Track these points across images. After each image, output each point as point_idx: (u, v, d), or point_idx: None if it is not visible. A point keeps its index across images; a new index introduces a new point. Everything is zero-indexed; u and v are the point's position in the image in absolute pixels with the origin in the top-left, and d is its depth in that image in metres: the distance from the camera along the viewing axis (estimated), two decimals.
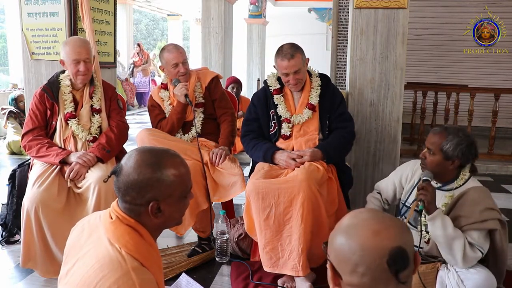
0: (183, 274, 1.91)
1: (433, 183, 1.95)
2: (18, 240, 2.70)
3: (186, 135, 2.70)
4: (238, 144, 4.07)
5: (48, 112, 2.45)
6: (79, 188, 2.32)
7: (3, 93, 7.04)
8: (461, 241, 1.81)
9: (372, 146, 3.06)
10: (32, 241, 2.21)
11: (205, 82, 2.73)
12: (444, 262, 1.93)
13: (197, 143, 2.55)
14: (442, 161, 1.92)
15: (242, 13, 10.78)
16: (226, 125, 2.70)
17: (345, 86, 5.42)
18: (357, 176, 3.02)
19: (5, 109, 5.66)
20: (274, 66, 2.46)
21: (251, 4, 10.84)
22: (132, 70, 10.36)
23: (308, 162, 2.29)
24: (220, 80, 2.83)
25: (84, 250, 1.16)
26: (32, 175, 2.33)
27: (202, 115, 2.71)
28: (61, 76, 2.49)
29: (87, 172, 2.32)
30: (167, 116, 2.69)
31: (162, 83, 2.82)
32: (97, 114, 2.50)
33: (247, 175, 2.57)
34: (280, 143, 2.48)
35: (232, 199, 2.74)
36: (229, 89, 4.88)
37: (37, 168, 2.35)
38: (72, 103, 2.46)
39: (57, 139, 2.43)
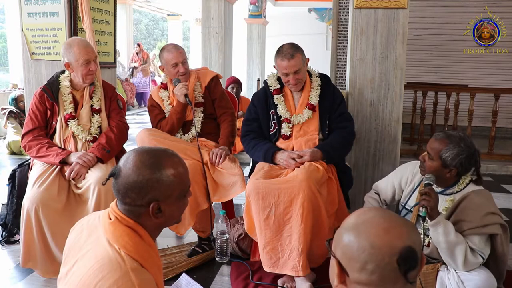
0: (184, 274, 1.90)
1: (434, 187, 1.92)
2: (18, 240, 2.70)
3: (186, 135, 2.70)
4: (238, 144, 4.07)
5: (48, 112, 2.44)
6: (79, 188, 2.32)
7: (3, 93, 7.04)
8: (462, 246, 1.80)
9: (372, 146, 3.06)
10: (32, 241, 2.21)
11: (205, 82, 2.73)
12: (444, 263, 1.93)
13: (197, 143, 2.55)
14: (440, 168, 1.90)
15: (242, 13, 10.77)
16: (226, 125, 2.70)
17: (345, 86, 5.43)
18: (357, 176, 3.02)
19: (5, 109, 5.66)
20: (274, 66, 2.46)
21: (251, 4, 10.83)
22: (132, 70, 10.37)
23: (308, 162, 2.29)
24: (220, 80, 2.83)
25: (83, 251, 1.16)
26: (32, 175, 2.33)
27: (202, 115, 2.71)
28: (61, 77, 2.49)
29: (87, 172, 2.32)
30: (167, 116, 2.70)
31: (162, 83, 2.82)
32: (97, 114, 2.50)
33: (247, 175, 2.57)
34: (280, 143, 2.48)
35: (232, 199, 2.74)
36: (229, 89, 4.88)
37: (37, 168, 2.35)
38: (72, 104, 2.46)
39: (57, 139, 2.43)
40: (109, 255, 1.10)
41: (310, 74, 2.54)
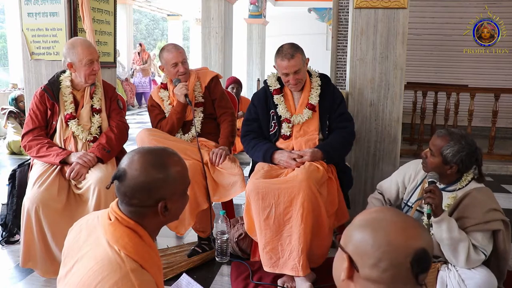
0: (184, 274, 1.90)
1: (437, 184, 1.94)
2: (18, 240, 2.70)
3: (186, 135, 2.70)
4: (238, 144, 4.07)
5: (49, 112, 2.44)
6: (79, 188, 2.32)
7: (3, 93, 7.03)
8: (465, 243, 1.80)
9: (372, 146, 3.06)
10: (32, 241, 2.21)
11: (204, 82, 2.73)
12: (445, 262, 1.93)
13: (197, 143, 2.55)
14: (441, 165, 1.92)
15: (242, 13, 10.77)
16: (226, 125, 2.70)
17: (345, 86, 5.43)
18: (357, 176, 3.02)
19: (5, 109, 5.66)
20: (274, 66, 2.46)
21: (251, 4, 10.83)
22: (133, 71, 10.37)
23: (308, 162, 2.29)
24: (220, 80, 2.83)
25: (82, 252, 1.16)
26: (32, 175, 2.33)
27: (202, 115, 2.71)
28: (62, 77, 2.48)
29: (87, 172, 2.32)
30: (167, 116, 2.69)
31: (162, 83, 2.82)
32: (97, 114, 2.50)
33: (247, 175, 2.57)
34: (280, 143, 2.48)
35: (232, 199, 2.74)
36: (229, 89, 4.88)
37: (37, 168, 2.35)
38: (73, 104, 2.46)
39: (57, 139, 2.43)
40: (109, 256, 1.10)
41: (310, 74, 2.54)
